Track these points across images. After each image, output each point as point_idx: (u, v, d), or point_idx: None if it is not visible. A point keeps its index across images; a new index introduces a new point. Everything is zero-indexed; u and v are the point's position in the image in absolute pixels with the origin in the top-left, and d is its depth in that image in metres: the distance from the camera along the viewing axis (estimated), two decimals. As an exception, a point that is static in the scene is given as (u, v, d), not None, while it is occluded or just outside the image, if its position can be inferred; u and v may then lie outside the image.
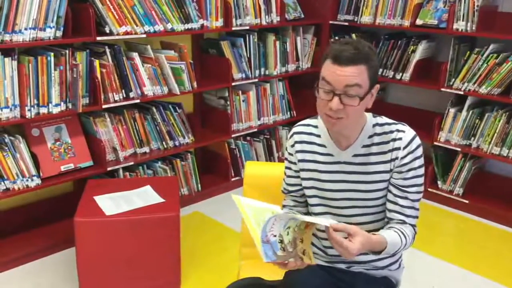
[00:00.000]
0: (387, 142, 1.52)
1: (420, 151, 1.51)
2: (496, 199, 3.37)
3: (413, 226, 1.55)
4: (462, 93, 3.30)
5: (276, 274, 1.69)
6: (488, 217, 3.31)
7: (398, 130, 1.51)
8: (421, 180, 1.53)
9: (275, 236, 1.32)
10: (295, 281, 1.55)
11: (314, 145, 1.60)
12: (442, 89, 3.38)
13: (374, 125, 1.54)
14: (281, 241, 1.33)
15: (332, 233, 1.34)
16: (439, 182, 3.52)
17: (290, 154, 1.66)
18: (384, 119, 1.56)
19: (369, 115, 1.55)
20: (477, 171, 3.42)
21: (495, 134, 3.20)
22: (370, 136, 1.53)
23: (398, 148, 1.50)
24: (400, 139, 1.50)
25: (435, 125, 3.45)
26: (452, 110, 3.40)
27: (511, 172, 3.42)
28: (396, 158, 1.50)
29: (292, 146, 1.64)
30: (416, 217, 1.56)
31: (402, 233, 1.50)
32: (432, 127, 3.45)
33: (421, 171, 1.52)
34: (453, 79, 3.34)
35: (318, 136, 1.60)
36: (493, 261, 2.87)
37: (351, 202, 1.56)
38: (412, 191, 1.52)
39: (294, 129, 1.66)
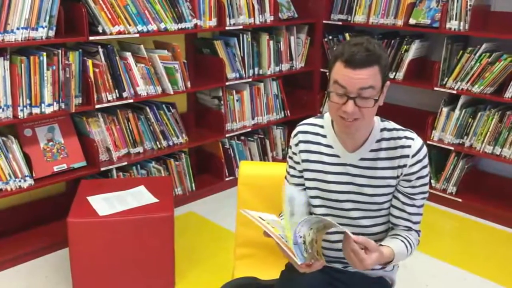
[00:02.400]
0: (395, 148, 1.51)
1: (427, 160, 1.52)
2: (489, 198, 3.39)
3: (418, 231, 1.58)
4: (455, 92, 3.31)
5: (270, 273, 1.69)
6: (481, 216, 3.33)
7: (406, 137, 1.51)
8: (427, 188, 1.55)
9: (301, 237, 1.33)
10: (291, 281, 1.54)
11: (321, 146, 1.58)
12: (435, 88, 3.40)
13: (382, 130, 1.53)
14: (304, 242, 1.34)
15: (352, 243, 1.34)
16: (432, 181, 3.53)
17: (294, 153, 1.63)
18: (392, 124, 1.55)
19: (377, 119, 1.54)
20: (470, 169, 3.44)
21: (488, 133, 3.22)
22: (378, 141, 1.52)
23: (407, 156, 1.49)
24: (409, 146, 1.50)
25: (428, 124, 3.46)
26: (445, 109, 3.41)
27: (503, 171, 3.44)
28: (405, 166, 1.50)
29: (296, 145, 1.62)
30: (420, 222, 1.58)
31: (408, 241, 1.52)
32: (425, 126, 3.46)
33: (428, 178, 1.54)
34: (446, 78, 3.36)
35: (324, 136, 1.58)
36: (486, 259, 2.88)
37: (355, 205, 1.55)
38: (419, 198, 1.54)
39: (299, 128, 1.63)
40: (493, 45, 3.21)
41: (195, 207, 3.42)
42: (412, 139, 1.51)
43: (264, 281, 1.69)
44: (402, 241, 1.51)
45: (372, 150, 1.52)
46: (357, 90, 1.37)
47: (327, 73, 1.48)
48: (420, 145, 1.51)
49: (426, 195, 1.56)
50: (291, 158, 1.66)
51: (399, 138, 1.51)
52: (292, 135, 1.65)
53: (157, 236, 2.39)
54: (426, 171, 1.52)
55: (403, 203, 1.54)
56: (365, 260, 1.35)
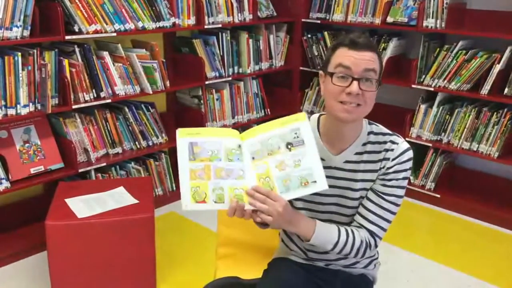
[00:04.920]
0: (379, 152, 1.50)
1: (408, 165, 1.49)
2: (466, 193, 3.44)
3: (372, 233, 1.49)
4: (432, 89, 3.36)
5: (253, 272, 1.69)
6: (459, 211, 3.38)
7: (392, 142, 1.50)
8: (401, 192, 1.50)
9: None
10: (274, 280, 1.54)
11: None
12: (413, 86, 3.44)
13: (369, 133, 1.52)
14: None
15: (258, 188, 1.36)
16: (411, 177, 3.57)
17: None
18: (379, 128, 1.54)
19: (365, 122, 1.53)
20: (447, 165, 3.49)
21: (465, 129, 3.27)
22: (364, 144, 1.51)
23: (388, 159, 1.48)
24: (392, 150, 1.49)
25: (407, 121, 3.50)
26: (423, 106, 3.45)
27: (480, 166, 3.50)
28: (383, 167, 1.49)
29: None
30: (382, 228, 1.49)
31: (347, 233, 1.45)
32: (403, 123, 3.50)
33: (404, 183, 1.49)
34: (424, 76, 3.40)
35: None
36: (465, 254, 2.93)
37: (337, 208, 1.54)
38: (388, 200, 1.48)
39: None
40: (469, 42, 3.26)
41: (176, 207, 3.39)
42: (397, 143, 1.49)
43: (247, 281, 1.69)
44: (338, 227, 1.46)
45: (357, 153, 1.51)
46: (361, 71, 1.38)
47: (323, 66, 1.48)
48: (404, 149, 1.48)
49: (398, 200, 1.49)
50: None
51: (385, 142, 1.50)
52: None
53: (138, 238, 2.36)
54: (403, 174, 1.48)
55: (368, 198, 1.50)
56: (278, 198, 1.34)
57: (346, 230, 1.48)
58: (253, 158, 1.39)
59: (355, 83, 1.38)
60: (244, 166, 1.38)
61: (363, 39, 1.40)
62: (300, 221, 1.44)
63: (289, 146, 1.38)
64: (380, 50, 3.59)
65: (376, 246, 1.52)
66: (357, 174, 1.51)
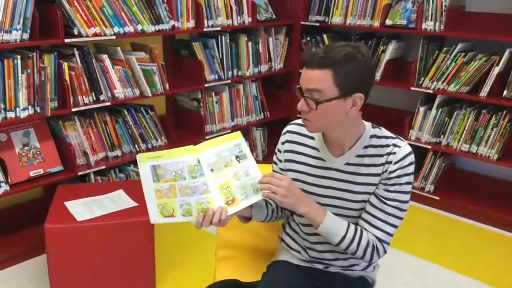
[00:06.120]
0: (381, 156, 1.49)
1: (411, 169, 1.48)
2: (466, 195, 3.44)
3: (378, 239, 1.49)
4: (431, 91, 3.36)
5: (252, 275, 1.69)
6: (459, 213, 3.38)
7: (394, 145, 1.49)
8: (404, 197, 1.49)
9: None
10: (273, 282, 1.54)
11: (306, 147, 1.58)
12: (412, 88, 3.44)
13: (371, 136, 1.52)
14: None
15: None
16: (411, 180, 3.57)
17: (279, 151, 1.65)
18: (383, 132, 1.54)
19: (368, 125, 1.53)
20: (447, 168, 3.49)
21: (464, 132, 3.27)
22: (365, 147, 1.51)
23: (390, 162, 1.47)
24: (394, 153, 1.48)
25: (406, 123, 3.50)
26: (422, 109, 3.46)
27: (480, 168, 3.50)
28: (386, 171, 1.48)
29: (283, 143, 1.64)
30: (388, 233, 1.49)
31: (355, 229, 1.47)
32: (402, 126, 3.50)
33: (407, 188, 1.48)
34: (423, 78, 3.40)
35: (312, 138, 1.58)
36: (464, 256, 2.93)
37: (335, 210, 1.53)
38: (391, 205, 1.48)
39: (288, 127, 1.65)
40: (468, 45, 3.26)
41: (175, 210, 3.39)
42: (399, 146, 1.48)
43: (246, 283, 1.69)
44: (348, 222, 1.48)
45: (358, 156, 1.51)
46: (305, 90, 1.42)
47: None
48: (406, 153, 1.48)
49: (403, 205, 1.49)
50: (276, 154, 1.68)
51: (387, 145, 1.50)
52: (282, 132, 1.67)
53: (137, 240, 2.36)
54: (405, 179, 1.47)
55: (371, 204, 1.50)
56: (282, 177, 1.45)
57: (356, 228, 1.48)
58: (211, 170, 1.48)
59: (301, 99, 1.43)
60: (207, 180, 1.47)
61: (314, 57, 1.38)
62: (311, 202, 1.49)
63: (238, 159, 1.52)
64: (379, 52, 3.59)
65: (385, 251, 1.51)
66: (358, 177, 1.51)
